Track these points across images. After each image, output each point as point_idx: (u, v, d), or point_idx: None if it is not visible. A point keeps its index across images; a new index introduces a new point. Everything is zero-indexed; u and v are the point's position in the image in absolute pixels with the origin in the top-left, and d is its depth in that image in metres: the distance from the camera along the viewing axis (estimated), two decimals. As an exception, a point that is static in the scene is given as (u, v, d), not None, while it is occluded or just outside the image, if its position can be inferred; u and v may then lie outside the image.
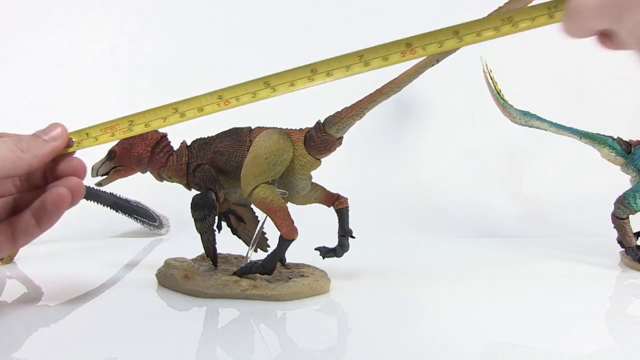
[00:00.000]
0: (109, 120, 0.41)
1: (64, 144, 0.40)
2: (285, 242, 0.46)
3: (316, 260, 0.51)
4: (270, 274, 0.46)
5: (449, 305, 0.46)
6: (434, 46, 0.38)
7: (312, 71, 0.39)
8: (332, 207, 0.51)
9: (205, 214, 0.47)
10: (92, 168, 0.51)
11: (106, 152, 0.51)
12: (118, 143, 0.51)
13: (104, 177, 0.51)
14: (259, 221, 0.52)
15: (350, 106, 0.46)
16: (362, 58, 0.38)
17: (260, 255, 0.51)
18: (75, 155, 0.41)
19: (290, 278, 0.47)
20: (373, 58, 0.39)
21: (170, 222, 0.85)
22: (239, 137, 0.48)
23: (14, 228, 0.39)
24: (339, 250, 0.50)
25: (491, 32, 0.37)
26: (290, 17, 1.04)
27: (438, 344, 0.37)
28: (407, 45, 0.38)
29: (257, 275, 0.47)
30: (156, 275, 0.50)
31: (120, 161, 0.51)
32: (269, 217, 0.46)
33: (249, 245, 0.51)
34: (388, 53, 0.38)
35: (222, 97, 0.40)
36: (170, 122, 0.41)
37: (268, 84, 0.39)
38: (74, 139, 0.41)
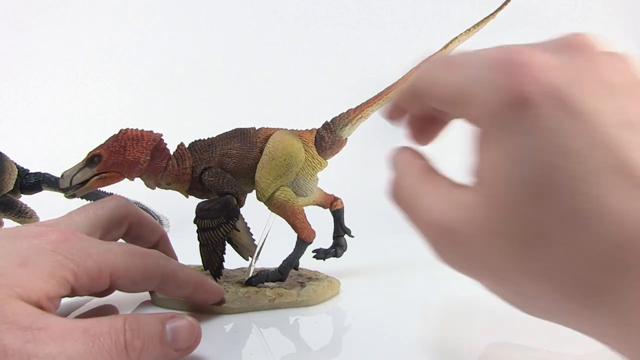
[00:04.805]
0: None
1: (184, 356, 0.31)
2: (303, 244, 0.45)
3: (312, 262, 0.50)
4: (284, 280, 0.46)
5: (450, 305, 0.46)
6: None
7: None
8: (328, 209, 0.50)
9: (221, 222, 0.43)
10: (63, 176, 0.42)
11: (84, 157, 0.43)
12: (104, 146, 0.43)
13: (79, 186, 0.43)
14: (250, 231, 0.49)
15: (359, 107, 0.46)
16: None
17: (260, 263, 0.49)
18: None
19: (302, 283, 0.46)
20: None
21: (170, 222, 0.84)
22: (250, 139, 0.45)
23: None
24: (339, 250, 0.50)
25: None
26: (290, 17, 1.04)
27: (438, 343, 0.37)
28: None
29: (265, 283, 0.46)
30: None
31: (108, 167, 0.43)
32: (288, 220, 0.45)
33: (240, 254, 0.49)
34: None
35: None
36: None
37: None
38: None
